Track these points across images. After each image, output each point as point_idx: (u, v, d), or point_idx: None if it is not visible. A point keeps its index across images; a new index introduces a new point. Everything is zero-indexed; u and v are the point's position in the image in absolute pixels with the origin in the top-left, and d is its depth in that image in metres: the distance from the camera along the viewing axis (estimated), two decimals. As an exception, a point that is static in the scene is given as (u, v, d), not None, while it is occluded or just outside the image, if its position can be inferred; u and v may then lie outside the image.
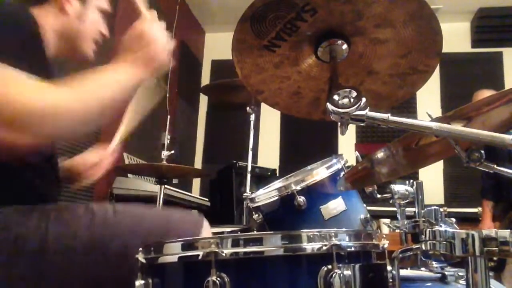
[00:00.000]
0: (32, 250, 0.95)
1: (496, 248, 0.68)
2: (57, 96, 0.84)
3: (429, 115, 0.89)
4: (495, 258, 2.45)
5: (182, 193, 3.43)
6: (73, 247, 0.97)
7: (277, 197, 1.41)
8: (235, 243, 0.80)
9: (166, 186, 2.52)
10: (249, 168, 2.54)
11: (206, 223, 1.11)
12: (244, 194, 2.12)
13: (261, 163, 4.25)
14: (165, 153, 2.41)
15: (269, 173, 3.78)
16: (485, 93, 3.05)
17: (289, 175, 1.61)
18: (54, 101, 0.83)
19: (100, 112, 0.90)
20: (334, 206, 1.38)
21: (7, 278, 0.94)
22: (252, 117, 2.58)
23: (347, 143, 4.64)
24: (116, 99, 0.94)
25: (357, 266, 0.78)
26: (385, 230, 2.92)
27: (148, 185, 3.06)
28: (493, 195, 3.11)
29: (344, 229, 0.86)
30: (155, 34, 1.03)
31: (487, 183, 3.13)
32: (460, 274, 1.06)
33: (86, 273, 0.98)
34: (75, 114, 0.86)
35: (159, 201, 2.44)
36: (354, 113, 0.79)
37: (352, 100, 0.81)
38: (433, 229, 0.72)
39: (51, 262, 0.96)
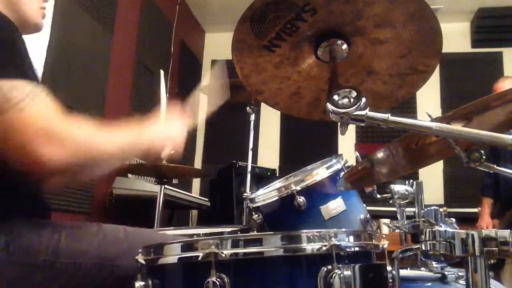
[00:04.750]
0: (43, 262, 0.97)
1: (496, 248, 0.68)
2: (94, 132, 0.95)
3: (429, 115, 0.89)
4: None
5: (182, 193, 3.43)
6: (83, 263, 0.99)
7: (277, 197, 1.41)
8: (235, 244, 0.79)
9: (166, 186, 2.52)
10: (249, 168, 2.54)
11: None
12: (244, 194, 2.12)
13: (261, 163, 4.25)
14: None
15: (269, 173, 3.79)
16: (507, 81, 3.07)
17: (289, 175, 1.61)
18: (92, 135, 0.94)
19: (111, 157, 1.01)
20: (334, 206, 1.38)
21: (18, 285, 0.96)
22: (252, 117, 2.58)
23: (347, 143, 4.64)
24: (124, 154, 1.05)
25: (357, 266, 0.78)
26: (385, 230, 2.92)
27: (148, 185, 3.06)
28: (492, 193, 3.14)
29: (343, 230, 0.86)
30: (178, 135, 1.18)
31: (487, 181, 3.16)
32: (460, 274, 1.06)
33: (95, 287, 1.00)
34: (99, 150, 0.96)
35: (159, 201, 2.43)
36: (354, 113, 0.79)
37: (352, 100, 0.80)
38: (433, 229, 0.72)
39: (61, 275, 0.98)
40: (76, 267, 0.98)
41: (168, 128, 1.17)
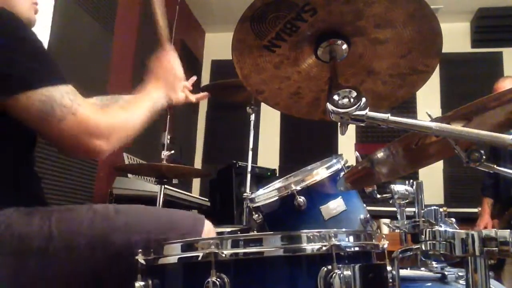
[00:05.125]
0: (37, 248, 0.96)
1: (496, 248, 0.68)
2: (125, 116, 1.12)
3: (429, 115, 0.89)
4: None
5: (182, 193, 3.43)
6: (77, 244, 0.99)
7: (277, 197, 1.41)
8: (235, 244, 0.80)
9: (166, 186, 2.52)
10: (249, 168, 2.53)
11: (207, 222, 1.12)
12: (244, 194, 2.11)
13: (261, 163, 4.24)
14: (165, 153, 2.41)
15: (269, 173, 3.78)
16: (507, 81, 3.07)
17: (289, 175, 1.60)
18: (124, 119, 1.11)
19: (140, 127, 1.15)
20: (334, 206, 1.37)
21: (14, 275, 0.95)
22: (252, 117, 2.58)
23: (347, 143, 4.63)
24: (148, 119, 1.17)
25: (357, 266, 0.78)
26: (385, 230, 2.92)
27: (148, 185, 3.06)
28: (492, 193, 3.14)
29: (344, 230, 0.86)
30: (176, 67, 1.33)
31: (487, 181, 3.16)
32: (460, 274, 1.06)
33: (89, 269, 1.00)
34: (132, 128, 1.12)
35: (159, 201, 2.44)
36: (354, 113, 0.79)
37: (352, 100, 0.80)
38: (433, 229, 0.72)
39: (56, 259, 0.98)
40: (70, 249, 0.98)
41: (165, 71, 1.30)
